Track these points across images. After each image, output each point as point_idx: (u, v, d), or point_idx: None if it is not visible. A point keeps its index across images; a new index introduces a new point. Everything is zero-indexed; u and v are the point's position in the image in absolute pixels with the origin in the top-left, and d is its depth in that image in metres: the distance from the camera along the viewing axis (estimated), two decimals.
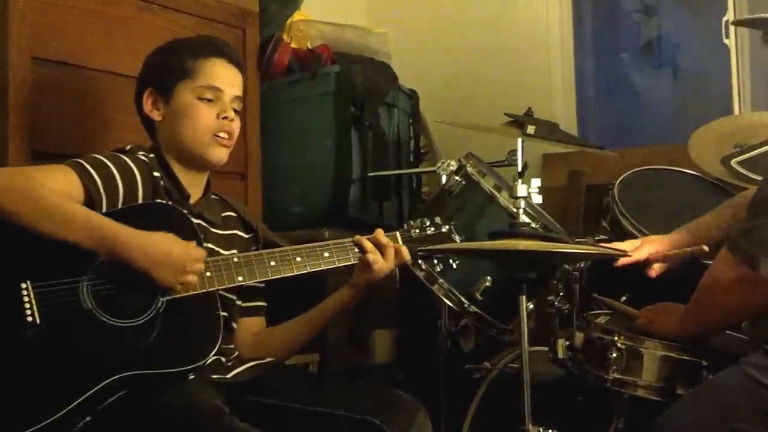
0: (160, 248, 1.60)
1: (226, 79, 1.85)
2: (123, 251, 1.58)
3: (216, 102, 1.83)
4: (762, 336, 1.69)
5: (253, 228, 1.99)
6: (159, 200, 1.77)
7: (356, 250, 1.85)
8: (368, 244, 1.85)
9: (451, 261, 1.95)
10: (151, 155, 1.82)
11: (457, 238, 1.95)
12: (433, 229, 1.94)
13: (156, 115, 1.85)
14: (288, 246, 1.85)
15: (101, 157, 1.73)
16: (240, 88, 1.89)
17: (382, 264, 1.85)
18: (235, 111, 1.87)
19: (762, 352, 1.65)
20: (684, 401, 1.72)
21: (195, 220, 1.77)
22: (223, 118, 1.83)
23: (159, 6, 2.34)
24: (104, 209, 1.67)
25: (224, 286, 1.71)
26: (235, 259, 1.73)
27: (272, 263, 1.76)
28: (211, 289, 1.68)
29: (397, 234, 1.91)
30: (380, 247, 1.86)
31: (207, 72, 1.83)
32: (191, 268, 1.62)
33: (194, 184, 1.87)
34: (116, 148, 1.82)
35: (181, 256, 1.61)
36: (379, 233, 1.87)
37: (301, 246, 1.80)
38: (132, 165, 1.75)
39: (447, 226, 1.94)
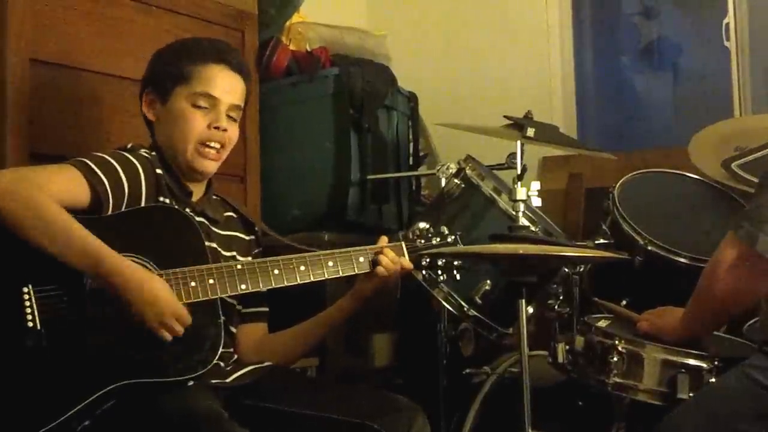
0: (150, 289, 1.57)
1: (222, 87, 1.82)
2: (112, 280, 1.55)
3: (210, 110, 1.81)
4: (763, 338, 1.69)
5: (254, 230, 1.98)
6: (162, 200, 1.76)
7: (361, 259, 1.84)
8: (385, 260, 1.84)
9: (455, 272, 1.93)
10: (153, 153, 1.81)
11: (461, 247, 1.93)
12: (438, 239, 1.92)
13: (151, 115, 1.85)
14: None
15: (105, 156, 1.72)
16: (239, 96, 1.86)
17: (389, 278, 1.85)
18: (233, 119, 1.85)
19: (764, 354, 1.65)
20: (686, 405, 1.71)
21: (198, 218, 1.77)
22: (215, 127, 1.81)
23: (157, 8, 2.33)
24: (111, 207, 1.66)
25: (227, 294, 1.70)
26: (239, 267, 1.72)
27: (275, 271, 1.74)
28: (213, 297, 1.67)
29: (403, 245, 1.90)
30: (394, 263, 1.85)
31: (204, 79, 1.81)
32: (169, 323, 1.58)
33: (195, 184, 1.86)
34: (117, 146, 1.81)
35: (166, 307, 1.58)
36: (389, 252, 1.85)
37: (305, 254, 1.78)
38: (135, 162, 1.74)
39: (452, 236, 1.92)
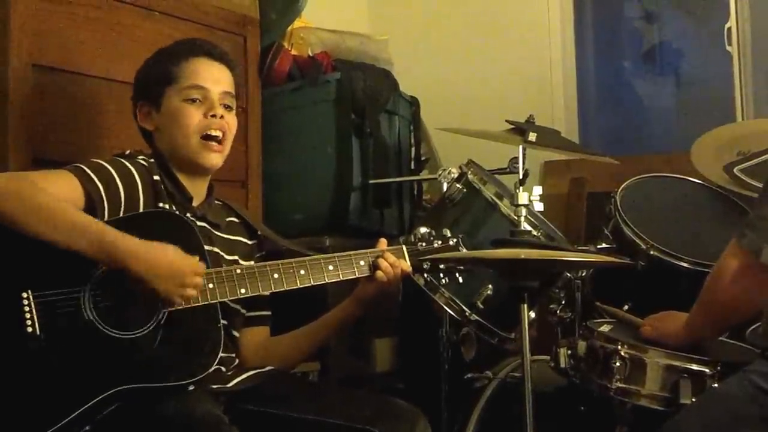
0: (161, 258, 1.58)
1: (209, 76, 1.84)
2: (123, 259, 1.56)
3: (204, 101, 1.82)
4: (765, 344, 1.68)
5: (257, 235, 1.99)
6: (162, 206, 1.77)
7: (361, 263, 1.83)
8: (384, 263, 1.83)
9: (457, 275, 1.93)
10: (151, 160, 1.82)
11: (464, 250, 1.92)
12: (440, 242, 1.92)
13: (150, 125, 1.86)
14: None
15: (102, 162, 1.72)
16: (229, 84, 1.87)
17: (390, 283, 1.84)
18: (228, 107, 1.86)
19: (766, 359, 1.65)
20: (688, 410, 1.71)
21: (199, 223, 1.77)
22: (212, 116, 1.82)
23: (159, 13, 2.33)
24: (106, 214, 1.67)
25: (226, 298, 1.70)
26: (238, 271, 1.72)
27: (275, 275, 1.74)
28: (213, 301, 1.66)
29: (404, 248, 1.90)
30: (393, 266, 1.85)
31: (189, 72, 1.83)
32: (191, 281, 1.60)
33: (196, 188, 1.86)
34: (116, 152, 1.82)
35: (182, 269, 1.59)
36: (389, 256, 1.85)
37: (305, 258, 1.78)
38: (132, 169, 1.75)
39: (454, 239, 1.92)
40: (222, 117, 1.83)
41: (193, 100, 1.82)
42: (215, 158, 1.83)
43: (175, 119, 1.81)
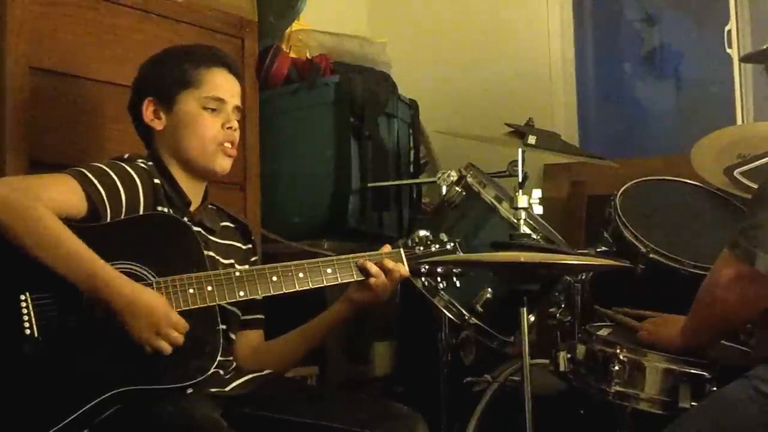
0: (142, 301, 1.56)
1: (228, 89, 1.86)
2: (104, 294, 1.55)
3: (219, 112, 1.84)
4: (764, 354, 1.68)
5: (251, 239, 1.98)
6: (160, 209, 1.76)
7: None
8: (373, 268, 1.82)
9: (455, 279, 1.92)
10: (150, 163, 1.81)
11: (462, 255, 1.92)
12: (437, 246, 1.91)
13: (157, 125, 1.85)
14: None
15: (102, 166, 1.72)
16: (239, 99, 1.90)
17: (384, 287, 1.83)
18: (236, 120, 1.88)
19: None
20: (691, 415, 1.70)
21: (195, 228, 1.77)
22: (228, 128, 1.84)
23: (157, 16, 2.33)
24: (108, 217, 1.67)
25: (225, 301, 1.70)
26: (237, 274, 1.72)
27: (274, 278, 1.74)
28: (211, 304, 1.66)
29: (402, 252, 1.89)
30: (386, 271, 1.83)
31: (211, 82, 1.84)
32: (165, 332, 1.57)
33: (194, 192, 1.86)
34: (114, 156, 1.82)
35: (161, 318, 1.57)
36: (387, 261, 1.84)
37: (304, 261, 1.78)
38: (132, 172, 1.75)
39: (452, 243, 1.91)
40: (236, 129, 1.86)
41: (210, 110, 1.83)
42: (228, 163, 1.86)
43: (189, 124, 1.82)
